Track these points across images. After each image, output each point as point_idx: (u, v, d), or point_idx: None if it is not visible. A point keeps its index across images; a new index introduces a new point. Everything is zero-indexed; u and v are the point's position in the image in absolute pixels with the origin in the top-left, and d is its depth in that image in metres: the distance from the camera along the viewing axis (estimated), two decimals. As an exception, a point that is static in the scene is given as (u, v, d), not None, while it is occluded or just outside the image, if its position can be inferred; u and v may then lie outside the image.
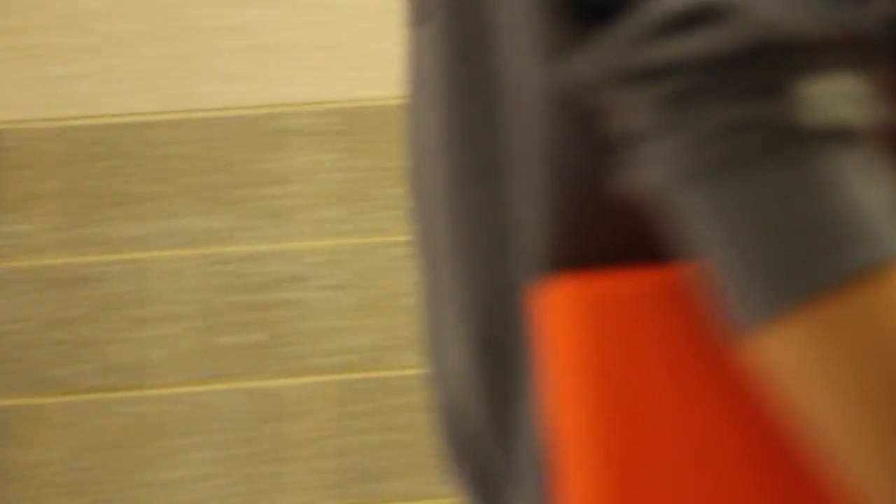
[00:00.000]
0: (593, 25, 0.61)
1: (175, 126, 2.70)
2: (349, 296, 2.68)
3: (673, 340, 0.63)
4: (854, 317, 0.57)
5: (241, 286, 2.67)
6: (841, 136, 0.57)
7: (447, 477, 1.56)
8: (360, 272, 2.67)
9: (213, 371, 2.68)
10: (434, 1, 0.72)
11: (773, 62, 0.57)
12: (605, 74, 0.60)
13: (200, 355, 2.67)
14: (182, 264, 2.68)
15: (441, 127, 0.73)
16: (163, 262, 2.69)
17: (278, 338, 2.67)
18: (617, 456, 0.63)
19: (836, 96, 0.57)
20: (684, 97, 0.58)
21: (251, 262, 2.70)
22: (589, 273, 0.65)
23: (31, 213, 2.65)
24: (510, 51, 0.68)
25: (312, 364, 2.68)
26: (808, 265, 0.57)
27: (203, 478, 2.67)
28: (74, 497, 2.69)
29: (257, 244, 2.69)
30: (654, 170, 0.59)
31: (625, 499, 0.63)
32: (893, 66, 0.61)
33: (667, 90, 0.58)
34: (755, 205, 0.57)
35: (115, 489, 2.66)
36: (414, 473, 2.68)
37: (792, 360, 0.58)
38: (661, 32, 0.58)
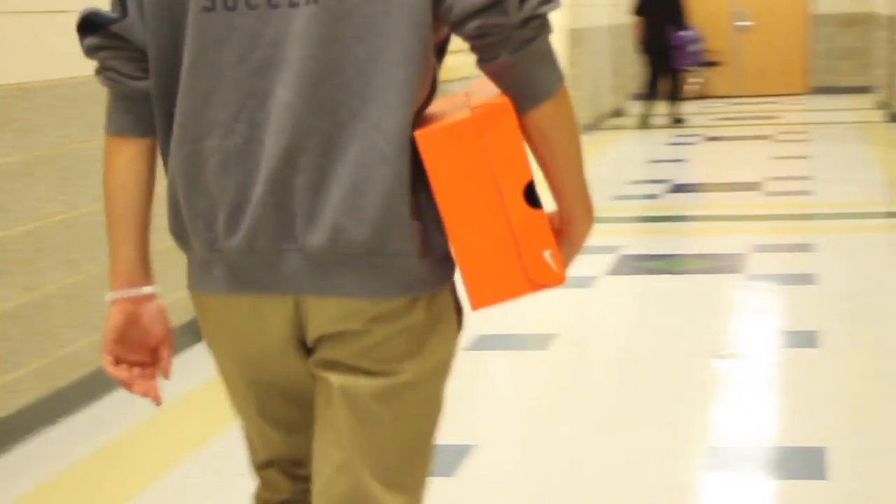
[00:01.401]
0: None
1: None
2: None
3: (505, 127, 1.99)
4: (565, 96, 2.02)
5: None
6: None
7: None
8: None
9: None
10: None
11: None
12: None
13: None
14: None
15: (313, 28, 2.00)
16: None
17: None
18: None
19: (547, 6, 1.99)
20: (544, 27, 1.99)
21: None
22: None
23: None
24: None
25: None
26: (557, 78, 2.01)
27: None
28: None
29: None
30: (521, 50, 1.98)
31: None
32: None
33: (538, 27, 1.99)
34: (544, 54, 2.00)
35: None
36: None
37: (557, 110, 2.02)
38: None
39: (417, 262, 2.03)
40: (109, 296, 2.19)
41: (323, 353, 2.09)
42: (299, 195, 2.00)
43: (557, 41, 16.46)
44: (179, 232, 2.14)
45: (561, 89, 2.01)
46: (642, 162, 13.39)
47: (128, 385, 2.22)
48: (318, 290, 2.03)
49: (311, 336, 2.09)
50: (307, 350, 2.13)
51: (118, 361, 2.21)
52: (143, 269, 2.21)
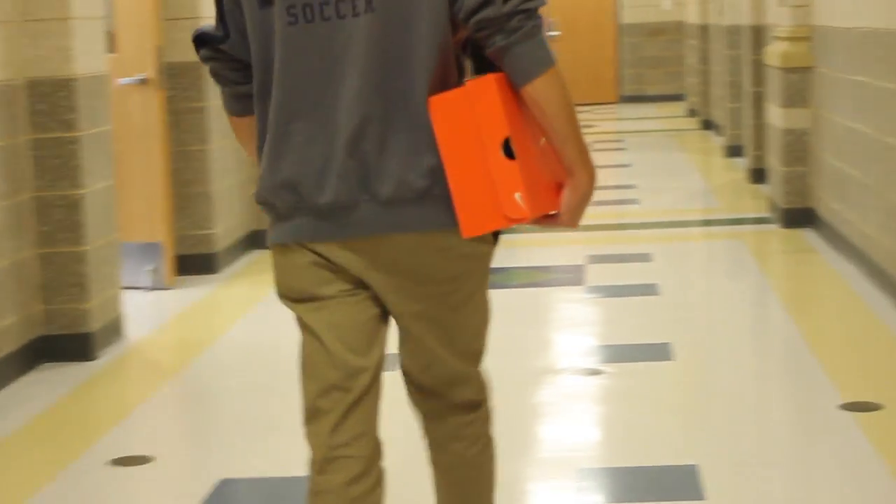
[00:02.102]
0: None
1: None
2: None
3: (487, 96, 2.63)
4: (558, 73, 2.65)
5: None
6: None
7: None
8: None
9: None
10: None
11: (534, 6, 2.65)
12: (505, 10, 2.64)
13: None
14: None
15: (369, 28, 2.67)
16: None
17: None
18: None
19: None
20: (530, 19, 2.66)
21: None
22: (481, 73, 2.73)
23: None
24: None
25: None
26: (547, 60, 2.65)
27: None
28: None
29: None
30: (510, 37, 2.64)
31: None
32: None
33: (524, 19, 2.64)
34: (540, 43, 2.64)
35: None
36: None
37: (547, 86, 2.63)
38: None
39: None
40: None
41: (397, 290, 2.79)
42: (371, 155, 2.70)
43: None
44: (266, 197, 2.78)
45: (551, 69, 2.67)
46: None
47: None
48: (389, 230, 2.71)
49: (378, 272, 2.76)
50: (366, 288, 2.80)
51: None
52: None
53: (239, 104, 2.92)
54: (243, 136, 2.97)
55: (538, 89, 2.65)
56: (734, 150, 12.83)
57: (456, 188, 2.67)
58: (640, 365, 5.73)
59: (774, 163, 9.26)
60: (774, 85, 9.25)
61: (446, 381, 2.98)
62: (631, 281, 7.47)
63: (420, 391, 3.02)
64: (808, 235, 8.54)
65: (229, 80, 2.89)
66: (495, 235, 2.87)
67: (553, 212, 2.74)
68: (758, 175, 11.01)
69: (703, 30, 16.24)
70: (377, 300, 2.83)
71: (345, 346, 2.79)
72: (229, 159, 8.44)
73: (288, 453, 4.47)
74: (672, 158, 13.40)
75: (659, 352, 5.86)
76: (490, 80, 2.65)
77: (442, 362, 2.93)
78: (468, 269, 2.84)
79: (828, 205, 8.28)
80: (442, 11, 2.69)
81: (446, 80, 2.70)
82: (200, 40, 2.87)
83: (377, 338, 2.85)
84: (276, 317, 7.18)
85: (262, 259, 8.68)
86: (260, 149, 2.78)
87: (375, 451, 2.86)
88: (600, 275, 7.70)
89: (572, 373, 5.63)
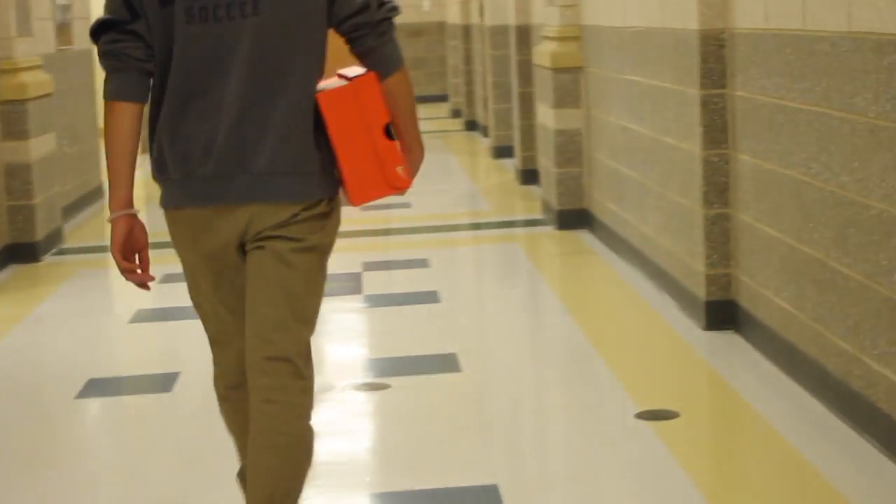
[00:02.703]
0: None
1: None
2: None
3: (371, 90, 3.26)
4: (406, 72, 3.34)
5: None
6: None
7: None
8: None
9: None
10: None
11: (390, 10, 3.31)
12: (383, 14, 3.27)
13: None
14: None
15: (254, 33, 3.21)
16: None
17: None
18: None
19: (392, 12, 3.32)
20: (391, 25, 3.30)
21: None
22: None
23: None
24: None
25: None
26: (400, 60, 3.33)
27: None
28: None
29: None
30: (378, 39, 3.27)
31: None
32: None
33: (388, 25, 3.29)
34: (396, 45, 3.32)
35: None
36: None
37: (401, 79, 3.31)
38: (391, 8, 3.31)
39: (319, 177, 3.28)
40: (114, 215, 3.25)
41: (260, 237, 3.26)
42: (249, 136, 3.21)
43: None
44: (159, 168, 3.27)
45: (403, 67, 3.32)
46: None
47: (130, 273, 3.28)
48: (263, 199, 3.24)
49: (251, 232, 3.27)
50: (243, 251, 3.31)
51: (124, 258, 3.26)
52: (132, 198, 3.29)
53: (140, 86, 3.27)
54: (122, 123, 3.26)
55: (395, 82, 3.31)
56: (502, 151, 12.78)
57: (347, 165, 3.26)
58: (427, 378, 5.52)
59: (546, 164, 9.18)
60: (544, 85, 9.17)
61: None
62: (410, 288, 7.27)
63: None
64: (583, 237, 8.47)
65: (137, 59, 3.25)
66: (338, 215, 3.43)
67: None
68: (528, 176, 10.95)
69: (466, 30, 16.19)
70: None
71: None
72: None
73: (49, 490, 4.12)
74: (439, 160, 13.27)
75: (445, 363, 5.66)
76: (372, 77, 3.27)
77: (276, 310, 3.39)
78: (319, 229, 3.35)
79: (603, 205, 8.22)
80: (320, 16, 3.25)
81: (317, 74, 3.27)
82: (105, 26, 3.25)
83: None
84: (39, 338, 6.83)
85: (22, 274, 8.21)
86: (152, 129, 3.28)
87: (244, 382, 3.39)
88: (378, 282, 7.48)
89: (355, 388, 5.39)
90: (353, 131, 3.23)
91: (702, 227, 6.01)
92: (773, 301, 5.42)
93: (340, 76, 3.34)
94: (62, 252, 8.94)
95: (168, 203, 3.29)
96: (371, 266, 7.89)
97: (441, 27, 19.49)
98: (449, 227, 9.44)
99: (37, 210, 8.56)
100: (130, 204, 3.26)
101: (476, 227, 9.64)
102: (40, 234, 8.61)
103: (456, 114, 17.41)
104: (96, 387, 5.57)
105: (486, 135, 14.32)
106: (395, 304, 6.93)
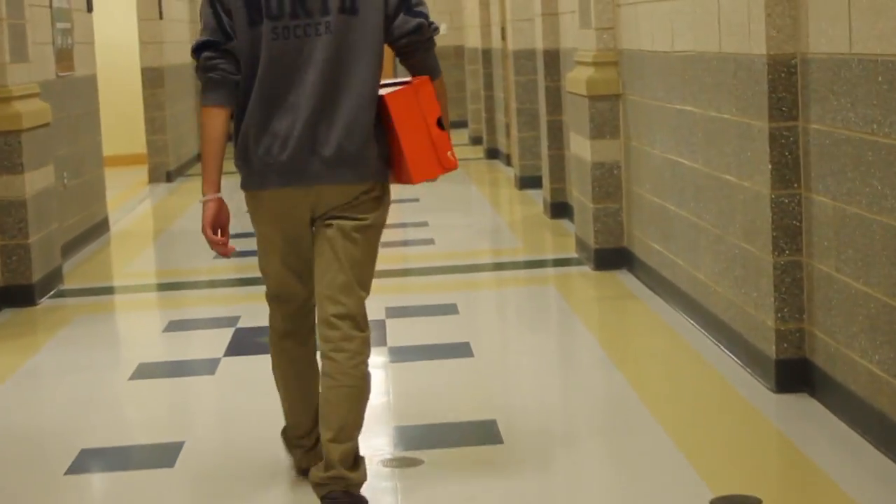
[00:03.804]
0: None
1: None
2: None
3: (426, 90, 4.17)
4: (442, 78, 4.28)
5: None
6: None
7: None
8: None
9: None
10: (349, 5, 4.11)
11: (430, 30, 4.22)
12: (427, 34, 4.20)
13: None
14: None
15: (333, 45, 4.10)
16: None
17: None
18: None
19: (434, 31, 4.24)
20: (433, 42, 4.25)
21: None
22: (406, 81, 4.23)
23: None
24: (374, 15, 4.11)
25: None
26: (439, 68, 4.28)
27: None
28: None
29: None
30: (426, 52, 4.23)
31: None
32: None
33: (431, 42, 4.25)
34: (435, 55, 4.25)
35: None
36: None
37: (442, 81, 4.27)
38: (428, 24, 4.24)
39: (376, 164, 4.14)
40: (207, 197, 4.09)
41: (328, 216, 4.12)
42: (320, 130, 4.08)
43: (131, 82, 15.25)
44: (244, 157, 4.11)
45: (441, 74, 4.24)
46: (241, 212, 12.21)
47: (218, 245, 4.11)
48: (329, 181, 4.09)
49: (319, 211, 4.13)
50: (311, 225, 4.18)
51: (213, 232, 4.12)
52: (220, 183, 4.11)
53: (230, 94, 4.07)
54: (216, 124, 4.08)
55: (438, 85, 4.19)
56: (527, 182, 12.13)
57: (409, 151, 4.07)
58: (466, 450, 4.85)
59: (581, 198, 8.52)
60: (579, 114, 8.51)
61: None
62: (439, 339, 6.60)
63: None
64: (623, 278, 7.81)
65: (230, 73, 4.06)
66: (389, 196, 4.27)
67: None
68: (558, 209, 10.30)
69: (486, 54, 15.56)
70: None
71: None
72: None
73: None
74: (461, 190, 12.62)
75: (485, 432, 5.00)
76: (427, 79, 4.15)
77: (344, 275, 4.20)
78: (375, 209, 4.20)
79: (646, 245, 7.56)
80: (378, 34, 4.10)
81: (376, 80, 4.09)
82: (204, 46, 4.07)
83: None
84: (29, 397, 6.16)
85: (16, 320, 7.58)
86: (237, 129, 4.07)
87: (293, 331, 4.42)
88: (404, 332, 6.81)
89: (382, 464, 4.72)
90: (413, 123, 4.08)
91: (770, 275, 5.34)
92: (858, 362, 4.75)
93: (386, 85, 4.14)
94: (61, 294, 8.30)
95: (251, 185, 4.14)
96: (395, 312, 7.22)
97: (460, 51, 18.83)
98: (476, 266, 8.79)
99: (32, 249, 7.93)
100: (219, 188, 4.08)
101: (506, 266, 8.96)
102: (36, 275, 7.98)
103: (476, 141, 16.78)
104: (89, 460, 4.92)
105: (508, 163, 13.68)
106: (423, 359, 6.25)
